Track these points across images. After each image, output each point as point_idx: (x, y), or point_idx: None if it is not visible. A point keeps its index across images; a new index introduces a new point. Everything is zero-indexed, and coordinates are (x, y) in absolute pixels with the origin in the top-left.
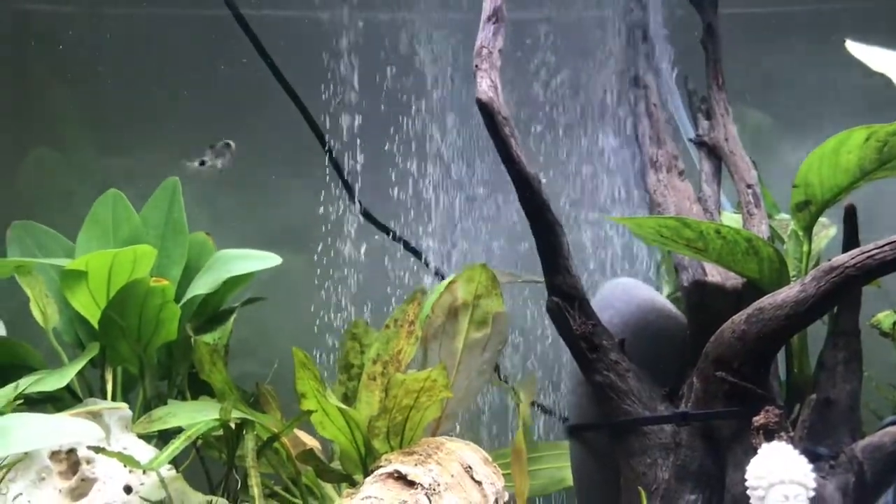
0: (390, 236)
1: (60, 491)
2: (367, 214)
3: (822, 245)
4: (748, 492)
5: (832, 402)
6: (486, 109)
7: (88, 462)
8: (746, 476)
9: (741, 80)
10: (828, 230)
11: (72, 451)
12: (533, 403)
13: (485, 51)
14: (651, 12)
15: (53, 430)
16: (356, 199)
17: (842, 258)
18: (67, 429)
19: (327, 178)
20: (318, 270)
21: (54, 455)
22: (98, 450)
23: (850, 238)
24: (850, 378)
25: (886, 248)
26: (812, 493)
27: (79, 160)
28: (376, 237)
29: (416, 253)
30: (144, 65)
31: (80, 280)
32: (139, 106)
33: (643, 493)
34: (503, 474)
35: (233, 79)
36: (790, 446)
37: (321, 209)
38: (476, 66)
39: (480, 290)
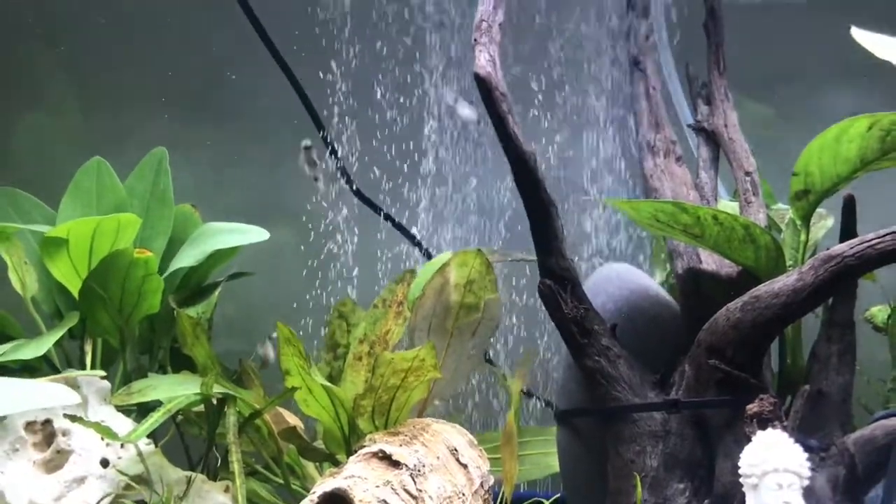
0: (381, 215)
1: (35, 462)
2: (358, 193)
3: (819, 235)
4: (741, 479)
5: (824, 395)
6: (483, 84)
7: (64, 434)
8: (740, 464)
9: (742, 67)
10: (825, 220)
11: (47, 423)
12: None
13: (484, 24)
14: None
15: (27, 394)
16: (349, 178)
17: (841, 247)
18: (42, 393)
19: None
20: (306, 247)
21: (29, 426)
22: (74, 418)
23: (848, 228)
24: (843, 370)
25: (888, 237)
26: (806, 483)
27: (66, 127)
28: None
29: (407, 232)
30: (136, 33)
31: (60, 248)
32: (130, 74)
33: (637, 480)
34: (488, 458)
35: (226, 49)
36: (785, 434)
37: (312, 184)
38: (475, 39)
39: (473, 274)
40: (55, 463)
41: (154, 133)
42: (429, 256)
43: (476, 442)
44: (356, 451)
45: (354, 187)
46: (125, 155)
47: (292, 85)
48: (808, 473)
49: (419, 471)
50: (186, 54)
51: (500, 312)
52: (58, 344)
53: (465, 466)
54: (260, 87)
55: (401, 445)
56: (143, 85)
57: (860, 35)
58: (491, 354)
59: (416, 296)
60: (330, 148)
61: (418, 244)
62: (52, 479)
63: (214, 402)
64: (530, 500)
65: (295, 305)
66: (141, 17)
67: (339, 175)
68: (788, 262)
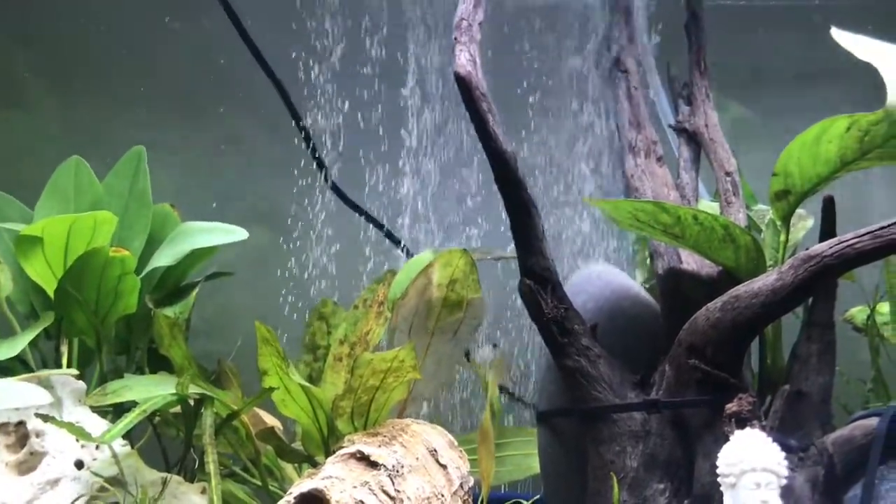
0: (363, 216)
1: (7, 464)
2: (338, 192)
3: (798, 236)
4: (719, 479)
5: (804, 395)
6: (463, 84)
7: (38, 435)
8: (718, 463)
9: (724, 69)
10: (805, 221)
11: (20, 424)
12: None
13: (464, 23)
14: None
15: None
16: (328, 177)
17: (820, 247)
18: (14, 393)
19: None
20: (285, 247)
21: (1, 427)
22: (47, 419)
23: (828, 229)
24: (823, 370)
25: (865, 237)
26: (784, 482)
27: (44, 126)
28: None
29: (388, 233)
30: (117, 32)
31: (35, 247)
32: (110, 73)
33: (615, 480)
34: (469, 459)
35: (207, 48)
36: (763, 434)
37: (292, 185)
38: (455, 38)
39: (457, 274)
40: (28, 465)
41: (133, 132)
42: (409, 255)
43: (456, 443)
44: (335, 452)
45: (331, 183)
46: (104, 154)
47: (274, 85)
48: (785, 472)
49: (398, 471)
50: (167, 54)
51: (483, 312)
52: (33, 345)
53: (444, 467)
54: (241, 88)
55: (379, 446)
56: (123, 84)
57: (840, 36)
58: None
59: (396, 296)
60: (310, 148)
61: (397, 241)
62: (24, 480)
63: (192, 402)
64: (510, 501)
65: (274, 306)
66: (122, 17)
67: (319, 175)
68: (768, 263)
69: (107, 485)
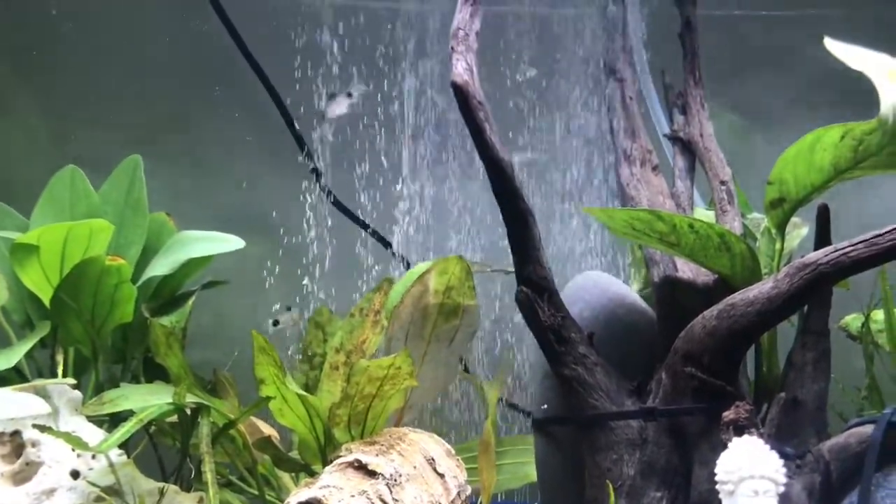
0: (360, 224)
1: (3, 475)
2: (335, 201)
3: (794, 244)
4: (717, 486)
5: (800, 402)
6: (460, 93)
7: (34, 445)
8: (716, 470)
9: (718, 78)
10: (800, 229)
11: (16, 434)
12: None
13: (461, 33)
14: (629, 4)
15: None
16: (324, 186)
17: (815, 255)
18: (11, 402)
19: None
20: (283, 256)
21: None
22: (44, 429)
23: (822, 237)
24: (819, 378)
25: (860, 245)
26: (782, 489)
27: (38, 136)
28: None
29: (384, 240)
30: (110, 41)
31: (31, 255)
32: (104, 82)
33: (611, 489)
34: (466, 468)
35: (199, 53)
36: (761, 441)
37: (289, 193)
38: (452, 48)
39: (453, 281)
40: (24, 475)
41: (129, 142)
42: (408, 266)
43: (454, 451)
44: (332, 461)
45: (331, 196)
46: (100, 164)
47: (269, 94)
48: (783, 480)
49: (395, 480)
50: (161, 63)
51: (478, 319)
52: (29, 354)
53: (442, 476)
54: (238, 96)
55: (377, 455)
56: (118, 94)
57: (834, 46)
58: None
59: (393, 305)
60: (306, 157)
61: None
62: (20, 491)
63: (188, 412)
64: None
65: (271, 315)
66: (117, 26)
67: (317, 185)
68: (764, 271)
69: (103, 494)
